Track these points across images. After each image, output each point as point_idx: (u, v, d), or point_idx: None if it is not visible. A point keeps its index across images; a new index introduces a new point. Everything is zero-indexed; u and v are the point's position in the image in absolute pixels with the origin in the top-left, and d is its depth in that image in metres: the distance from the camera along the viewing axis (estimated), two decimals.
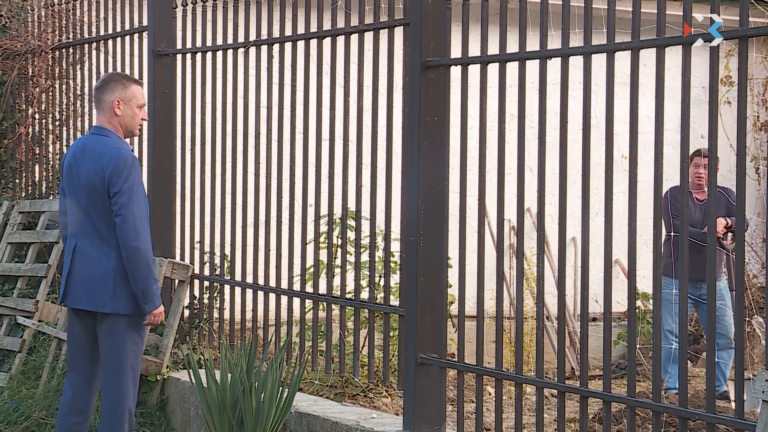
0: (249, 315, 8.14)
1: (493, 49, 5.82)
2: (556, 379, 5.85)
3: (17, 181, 10.22)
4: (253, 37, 7.61)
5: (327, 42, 7.10)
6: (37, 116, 10.12)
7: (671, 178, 5.45)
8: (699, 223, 9.44)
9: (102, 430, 6.06)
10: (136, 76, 8.68)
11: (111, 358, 6.04)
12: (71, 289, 6.10)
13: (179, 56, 8.30)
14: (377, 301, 6.80)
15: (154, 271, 5.99)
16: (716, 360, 9.38)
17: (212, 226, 8.00)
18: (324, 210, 7.14)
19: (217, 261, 7.97)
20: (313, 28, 7.12)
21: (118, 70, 8.97)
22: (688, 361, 5.08)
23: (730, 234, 9.60)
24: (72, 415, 6.17)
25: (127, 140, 6.30)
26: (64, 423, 6.19)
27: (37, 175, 10.05)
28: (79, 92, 9.61)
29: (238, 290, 7.87)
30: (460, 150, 6.00)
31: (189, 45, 8.23)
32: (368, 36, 6.67)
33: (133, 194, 5.92)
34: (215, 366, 7.50)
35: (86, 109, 9.48)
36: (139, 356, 6.09)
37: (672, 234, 9.00)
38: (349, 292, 7.13)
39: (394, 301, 6.64)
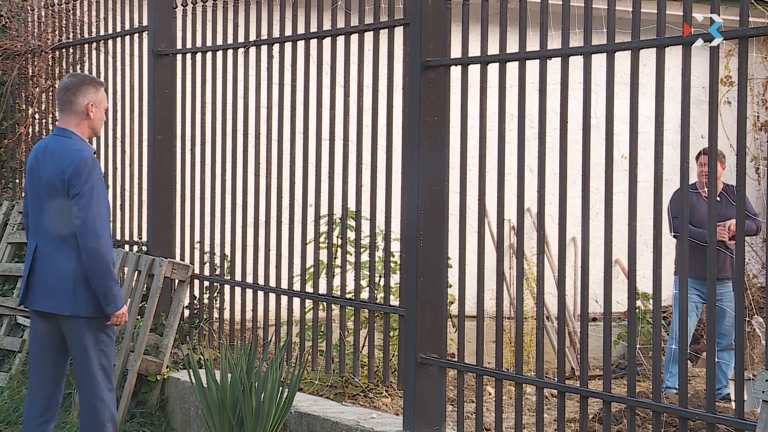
0: (249, 315, 8.14)
1: (493, 49, 5.82)
2: (556, 379, 5.85)
3: (17, 181, 10.22)
4: (253, 37, 7.60)
5: (327, 42, 7.10)
6: (37, 116, 10.12)
7: (671, 178, 5.45)
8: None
9: (83, 426, 6.07)
10: (137, 77, 8.70)
11: (79, 361, 6.03)
12: (32, 291, 6.09)
13: (179, 56, 8.30)
14: (377, 301, 6.80)
15: (114, 273, 5.97)
16: (717, 360, 9.40)
17: (212, 226, 8.00)
18: (324, 210, 7.14)
19: (217, 261, 7.97)
20: (313, 28, 7.12)
21: (118, 70, 8.98)
22: (688, 361, 5.07)
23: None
24: (35, 417, 6.15)
25: (91, 142, 6.30)
26: (29, 425, 6.17)
27: None
28: None
29: (238, 290, 7.86)
30: (460, 150, 6.00)
31: (189, 45, 8.23)
32: (368, 36, 6.67)
33: (93, 196, 5.90)
34: (215, 366, 7.50)
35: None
36: (109, 355, 6.06)
37: (674, 234, 9.00)
38: (349, 292, 7.13)
39: (394, 301, 6.64)
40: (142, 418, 7.70)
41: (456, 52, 6.07)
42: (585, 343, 5.40)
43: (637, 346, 6.33)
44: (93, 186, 5.91)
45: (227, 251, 7.93)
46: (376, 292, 6.86)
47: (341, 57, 6.85)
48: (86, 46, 9.47)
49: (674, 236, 9.12)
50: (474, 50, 5.94)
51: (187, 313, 8.14)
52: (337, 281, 7.19)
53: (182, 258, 8.22)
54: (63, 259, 5.97)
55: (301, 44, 7.31)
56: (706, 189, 9.63)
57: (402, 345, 6.29)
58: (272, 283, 7.46)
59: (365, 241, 6.87)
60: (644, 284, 11.02)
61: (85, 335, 5.99)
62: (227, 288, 7.90)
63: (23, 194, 6.28)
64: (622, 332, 11.35)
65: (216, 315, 7.96)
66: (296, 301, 7.36)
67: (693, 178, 9.77)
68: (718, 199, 9.45)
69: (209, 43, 8.03)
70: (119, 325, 6.07)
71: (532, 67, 5.67)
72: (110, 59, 9.13)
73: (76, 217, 5.90)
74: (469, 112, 5.99)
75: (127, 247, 8.67)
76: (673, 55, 5.51)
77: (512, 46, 5.71)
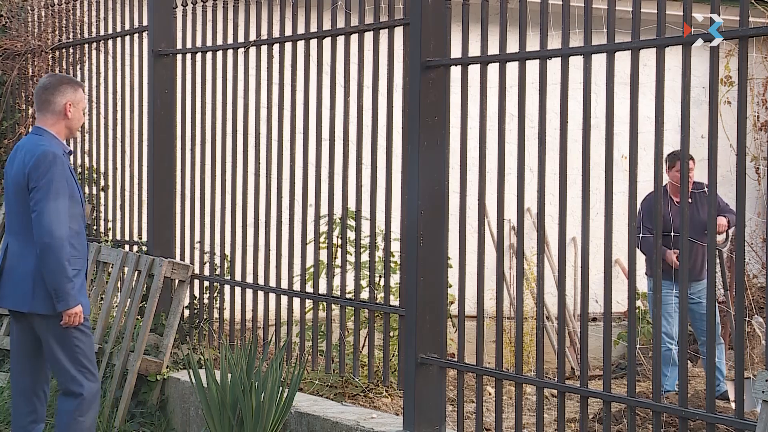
0: (249, 315, 8.14)
1: (493, 49, 5.82)
2: (556, 379, 5.85)
3: None
4: (253, 37, 7.60)
5: (327, 42, 7.10)
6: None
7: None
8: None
9: (60, 420, 6.05)
10: (137, 77, 8.69)
11: (49, 360, 6.05)
12: (1, 289, 6.10)
13: (179, 56, 8.30)
14: (377, 301, 6.80)
15: (67, 270, 5.89)
16: (704, 358, 9.39)
17: (212, 226, 8.00)
18: (324, 210, 7.14)
19: (217, 261, 7.97)
20: (313, 28, 7.12)
21: (118, 70, 8.98)
22: (688, 361, 5.07)
23: (719, 236, 9.55)
24: (22, 417, 6.14)
25: (65, 141, 6.24)
26: (17, 426, 6.16)
27: None
28: None
29: (238, 290, 7.86)
30: (460, 150, 6.00)
31: (189, 45, 8.23)
32: (368, 36, 6.67)
33: (51, 190, 5.88)
34: (215, 366, 7.50)
35: (86, 110, 9.48)
36: (85, 350, 6.03)
37: (642, 236, 8.93)
38: (349, 292, 7.13)
39: (394, 301, 6.64)
40: (142, 418, 7.70)
41: (456, 52, 6.07)
42: (585, 343, 5.40)
43: (637, 346, 6.33)
44: (51, 180, 5.89)
45: (227, 251, 7.93)
46: (376, 292, 6.86)
47: (341, 57, 6.85)
48: (86, 46, 9.47)
49: (643, 237, 9.06)
50: (474, 50, 5.94)
51: (187, 313, 8.14)
52: (337, 281, 7.19)
53: (182, 258, 8.22)
54: (27, 255, 5.97)
55: (301, 44, 7.31)
56: (677, 194, 9.59)
57: (402, 345, 6.29)
58: (272, 283, 7.46)
59: (365, 241, 6.87)
60: (644, 284, 11.01)
61: (49, 333, 5.98)
62: (227, 288, 7.90)
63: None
64: (622, 332, 11.34)
65: (216, 315, 7.96)
66: (296, 301, 7.35)
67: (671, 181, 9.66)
68: (689, 201, 9.38)
69: (209, 43, 8.03)
70: (74, 325, 5.98)
71: (532, 67, 5.66)
72: (110, 59, 9.13)
73: (32, 210, 5.90)
74: (469, 112, 5.99)
75: (127, 246, 8.67)
76: (673, 55, 5.51)
77: (512, 46, 5.71)
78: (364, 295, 6.79)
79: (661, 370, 9.49)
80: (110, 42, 9.11)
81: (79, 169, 9.46)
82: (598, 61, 5.33)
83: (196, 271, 8.10)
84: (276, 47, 7.49)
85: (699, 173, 9.37)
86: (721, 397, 9.35)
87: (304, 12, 7.14)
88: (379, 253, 7.38)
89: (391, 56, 6.39)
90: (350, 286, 7.29)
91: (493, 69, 5.88)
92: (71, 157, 6.21)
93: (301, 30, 7.27)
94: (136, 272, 8.09)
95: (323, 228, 7.22)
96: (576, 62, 5.45)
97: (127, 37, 8.82)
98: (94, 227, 9.23)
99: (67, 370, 6.02)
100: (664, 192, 9.45)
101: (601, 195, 5.45)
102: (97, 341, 7.94)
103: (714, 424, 4.87)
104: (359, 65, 6.68)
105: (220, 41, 7.94)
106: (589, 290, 5.41)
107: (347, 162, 6.82)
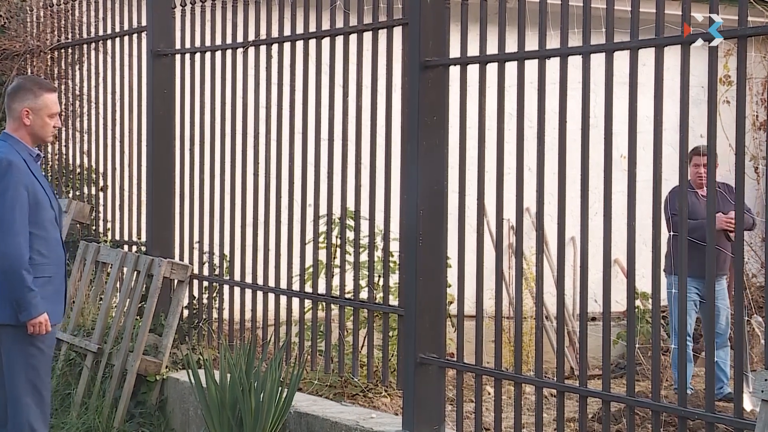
0: (248, 315, 8.14)
1: (492, 48, 5.82)
2: (555, 378, 5.85)
3: None
4: (252, 37, 7.60)
5: (326, 42, 7.10)
6: None
7: (670, 178, 5.45)
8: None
9: None
10: (135, 77, 8.69)
11: (6, 371, 5.82)
12: None
13: (178, 56, 8.30)
14: (376, 301, 6.80)
15: (26, 280, 5.68)
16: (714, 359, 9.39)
17: (211, 226, 8.00)
18: (323, 210, 7.14)
19: (217, 261, 7.97)
20: (312, 28, 7.12)
21: (117, 70, 8.98)
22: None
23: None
24: None
25: (39, 147, 6.03)
26: None
27: None
28: (78, 92, 9.61)
29: (237, 290, 7.86)
30: (459, 150, 6.00)
31: (188, 45, 8.23)
32: (367, 36, 6.67)
33: (6, 199, 5.68)
34: (214, 366, 7.49)
35: (85, 110, 9.49)
36: (39, 369, 5.83)
37: (673, 233, 8.95)
38: (348, 292, 7.13)
39: (393, 300, 6.64)
40: (141, 418, 7.70)
41: (455, 51, 6.07)
42: (584, 342, 5.41)
43: (637, 345, 6.32)
44: (6, 189, 5.69)
45: (226, 251, 7.93)
46: (375, 291, 6.86)
47: (340, 57, 6.85)
48: (85, 46, 9.48)
49: (674, 234, 9.08)
50: (473, 50, 5.94)
51: (186, 313, 8.14)
52: (336, 281, 7.18)
53: (181, 258, 8.22)
54: None
55: (300, 44, 7.31)
56: (701, 189, 9.59)
57: (401, 345, 6.29)
58: (271, 283, 7.46)
59: (364, 241, 6.87)
60: (643, 284, 11.00)
61: (11, 345, 5.79)
62: (226, 288, 7.89)
63: None
64: (621, 332, 11.33)
65: (215, 315, 7.96)
66: (295, 301, 7.35)
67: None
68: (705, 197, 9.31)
69: (208, 43, 8.03)
70: (42, 335, 5.78)
71: (531, 66, 5.66)
72: (109, 59, 9.13)
73: None
74: (468, 111, 5.99)
75: (126, 247, 8.67)
76: (672, 55, 5.50)
77: (511, 46, 5.71)
78: (364, 295, 6.79)
79: (675, 368, 9.51)
80: (109, 42, 9.11)
81: (78, 169, 9.47)
82: (597, 60, 5.33)
83: (195, 271, 8.10)
84: (275, 47, 7.49)
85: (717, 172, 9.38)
86: (725, 399, 9.33)
87: (303, 12, 7.14)
88: (378, 253, 7.38)
89: (389, 56, 6.39)
90: (349, 285, 7.28)
91: (492, 69, 5.88)
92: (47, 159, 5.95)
93: (300, 30, 7.27)
94: (135, 272, 8.09)
95: (322, 228, 7.22)
96: (575, 62, 5.45)
97: (126, 38, 8.82)
98: (93, 227, 9.22)
99: (21, 393, 5.77)
100: (688, 186, 9.39)
101: (600, 194, 5.45)
102: (96, 341, 7.94)
103: (713, 423, 4.87)
104: (358, 65, 6.68)
105: (219, 41, 7.94)
106: (588, 290, 5.41)
107: (346, 162, 6.82)
